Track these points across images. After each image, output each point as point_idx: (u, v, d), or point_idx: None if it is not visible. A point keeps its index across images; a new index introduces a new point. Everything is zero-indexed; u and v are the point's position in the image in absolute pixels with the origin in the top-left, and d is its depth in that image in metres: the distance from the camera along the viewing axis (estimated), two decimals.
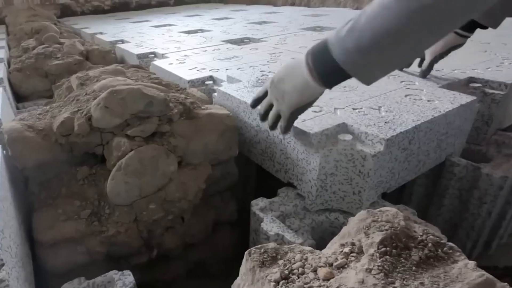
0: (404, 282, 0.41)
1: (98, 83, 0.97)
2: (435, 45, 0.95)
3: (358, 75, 0.56)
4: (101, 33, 2.53)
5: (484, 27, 0.87)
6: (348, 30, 0.54)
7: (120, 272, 0.65)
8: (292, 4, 4.13)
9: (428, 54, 1.01)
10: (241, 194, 1.08)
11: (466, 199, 0.96)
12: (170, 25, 2.81)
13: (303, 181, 0.80)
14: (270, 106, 0.71)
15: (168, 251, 0.89)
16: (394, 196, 0.99)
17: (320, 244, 0.64)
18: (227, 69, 1.30)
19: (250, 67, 1.31)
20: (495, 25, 0.85)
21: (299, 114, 0.70)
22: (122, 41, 2.15)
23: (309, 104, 0.68)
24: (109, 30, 2.63)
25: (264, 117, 0.74)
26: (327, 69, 0.58)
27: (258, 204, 0.79)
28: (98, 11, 4.21)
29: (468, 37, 0.95)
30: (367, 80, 0.57)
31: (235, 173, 0.99)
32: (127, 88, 0.81)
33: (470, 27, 0.89)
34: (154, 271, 0.91)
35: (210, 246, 0.99)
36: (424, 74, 1.05)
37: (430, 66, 1.02)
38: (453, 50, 0.98)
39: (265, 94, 0.72)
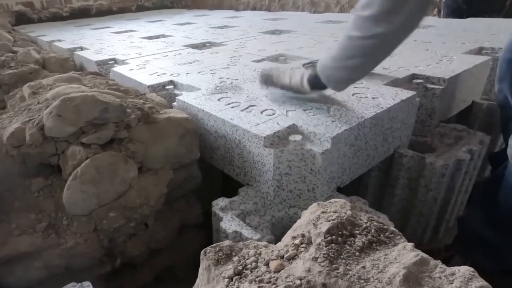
0: (348, 267, 0.43)
1: (51, 91, 0.94)
2: None
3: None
4: (59, 40, 2.43)
5: None
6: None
7: (79, 283, 0.63)
8: (253, 9, 4.18)
9: None
10: (208, 197, 1.09)
11: (414, 187, 1.02)
12: (131, 31, 2.76)
13: (261, 182, 0.83)
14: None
15: (132, 259, 0.88)
16: (352, 189, 1.05)
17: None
18: (187, 73, 1.30)
19: (211, 70, 1.32)
20: None
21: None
22: (81, 48, 2.09)
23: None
24: (67, 37, 2.54)
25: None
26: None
27: (218, 204, 0.80)
28: (56, 18, 4.03)
29: None
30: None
31: (198, 176, 1.00)
32: (81, 95, 0.80)
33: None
34: (120, 280, 0.90)
35: (178, 250, 0.99)
36: None
37: None
38: None
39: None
